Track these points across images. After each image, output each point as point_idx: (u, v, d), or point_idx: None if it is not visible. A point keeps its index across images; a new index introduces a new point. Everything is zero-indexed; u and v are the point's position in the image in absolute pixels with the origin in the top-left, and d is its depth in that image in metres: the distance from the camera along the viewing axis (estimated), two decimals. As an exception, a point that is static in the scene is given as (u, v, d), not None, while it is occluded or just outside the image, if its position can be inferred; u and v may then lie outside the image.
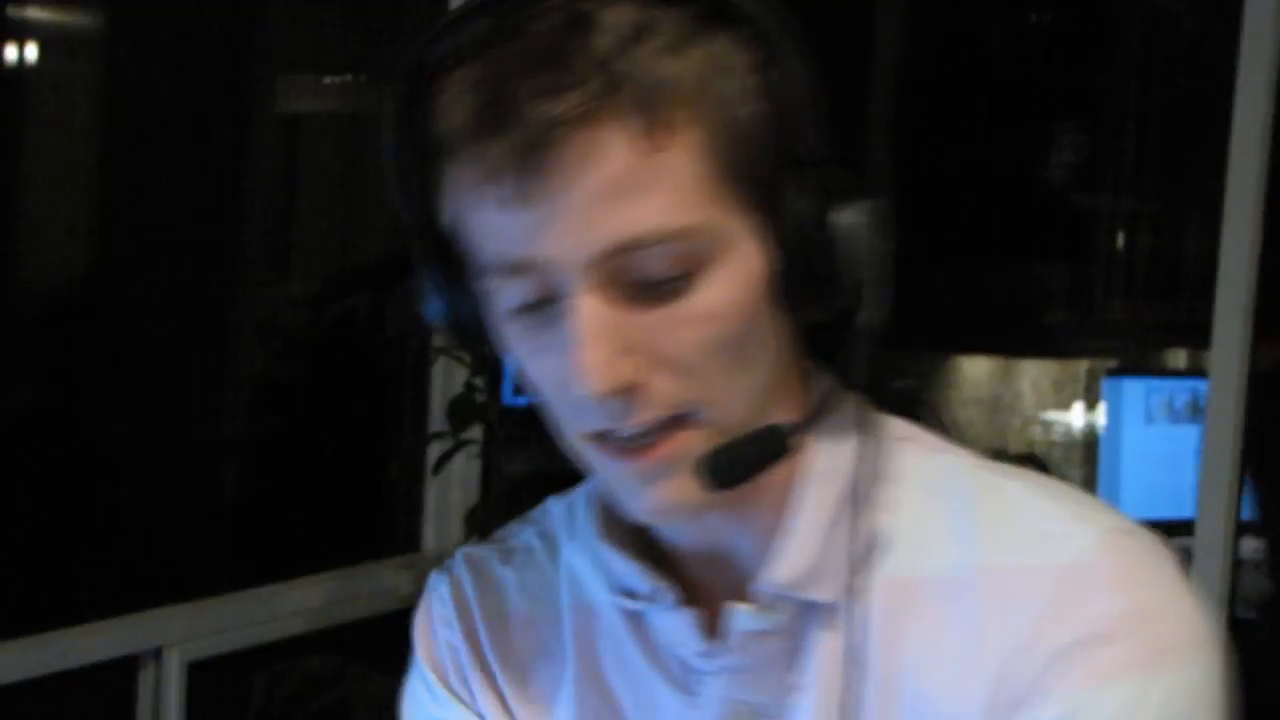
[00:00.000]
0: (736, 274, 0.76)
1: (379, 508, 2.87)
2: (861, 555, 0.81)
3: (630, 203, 0.72)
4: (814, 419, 0.81)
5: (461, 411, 2.48)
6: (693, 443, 0.77)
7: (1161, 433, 3.04)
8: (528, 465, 2.83)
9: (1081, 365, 3.43)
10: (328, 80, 3.10)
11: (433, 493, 2.84)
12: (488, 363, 2.54)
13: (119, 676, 2.39)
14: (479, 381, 2.49)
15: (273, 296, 2.86)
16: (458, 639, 0.94)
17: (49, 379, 2.53)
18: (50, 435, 2.48)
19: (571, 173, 0.72)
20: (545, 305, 0.76)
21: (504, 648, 0.93)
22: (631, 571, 0.86)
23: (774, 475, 0.81)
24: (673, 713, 0.86)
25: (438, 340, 2.56)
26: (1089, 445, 3.36)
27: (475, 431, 2.56)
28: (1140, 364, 3.46)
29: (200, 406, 2.70)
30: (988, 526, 0.81)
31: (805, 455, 0.83)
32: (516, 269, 0.75)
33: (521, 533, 0.97)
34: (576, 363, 0.74)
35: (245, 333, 2.81)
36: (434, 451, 2.61)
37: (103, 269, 2.60)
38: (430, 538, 2.84)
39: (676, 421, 0.77)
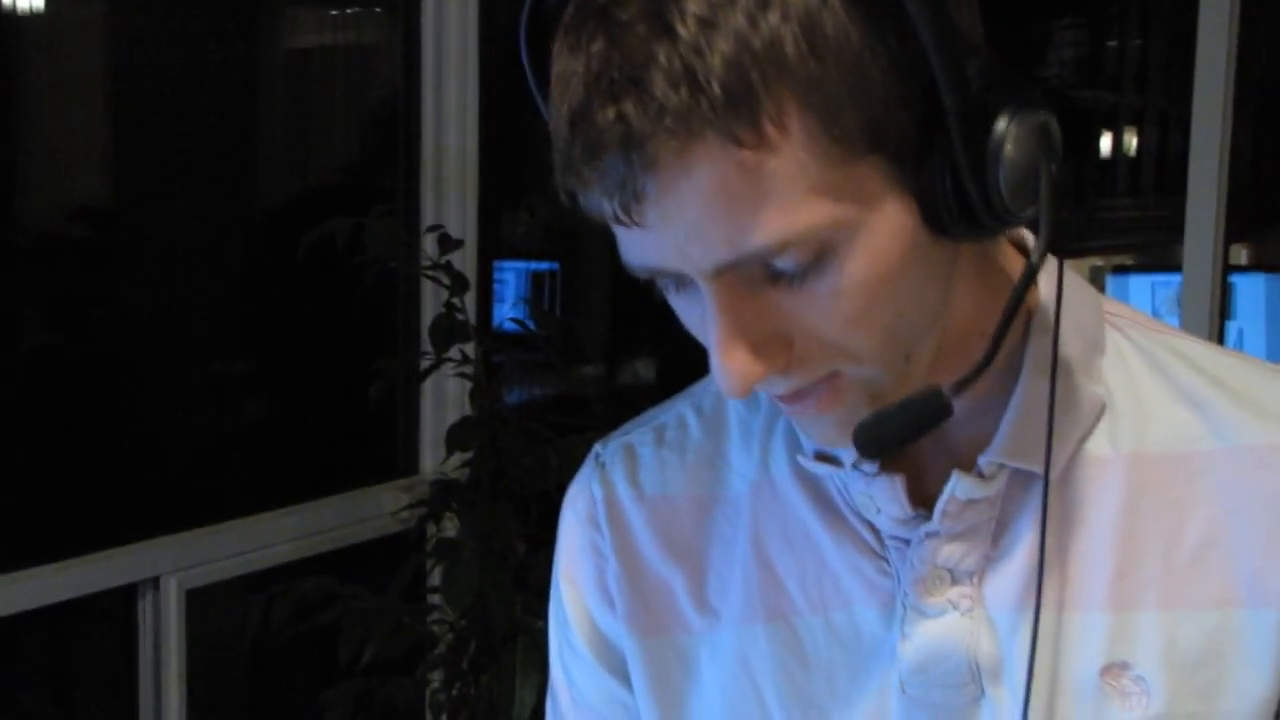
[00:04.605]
0: (877, 240, 0.71)
1: (375, 432, 2.91)
2: (1081, 426, 0.82)
3: (737, 220, 0.68)
4: (985, 363, 0.75)
5: (442, 332, 2.49)
6: (849, 398, 0.76)
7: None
8: (524, 392, 2.86)
9: (1087, 263, 3.39)
10: (334, 13, 3.11)
11: (429, 415, 2.87)
12: (468, 283, 2.56)
13: (119, 605, 2.46)
14: (460, 301, 2.51)
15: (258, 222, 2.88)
16: (606, 545, 0.93)
17: (49, 315, 2.57)
18: (46, 370, 2.53)
19: (668, 199, 0.68)
20: (679, 281, 0.74)
21: (671, 539, 0.92)
22: None
23: (983, 323, 0.80)
24: (853, 579, 0.85)
25: (423, 261, 2.59)
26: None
27: (468, 350, 2.58)
28: (1148, 261, 3.42)
29: (196, 338, 2.74)
30: (1227, 403, 0.81)
31: (1024, 326, 0.82)
32: (639, 268, 0.74)
33: (671, 407, 0.96)
34: (715, 362, 0.73)
35: (247, 265, 2.85)
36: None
37: (112, 206, 2.64)
38: (428, 460, 2.88)
39: (829, 379, 0.75)
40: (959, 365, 0.78)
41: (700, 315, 0.74)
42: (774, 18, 0.67)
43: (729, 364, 0.72)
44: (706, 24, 0.67)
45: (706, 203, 0.68)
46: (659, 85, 0.67)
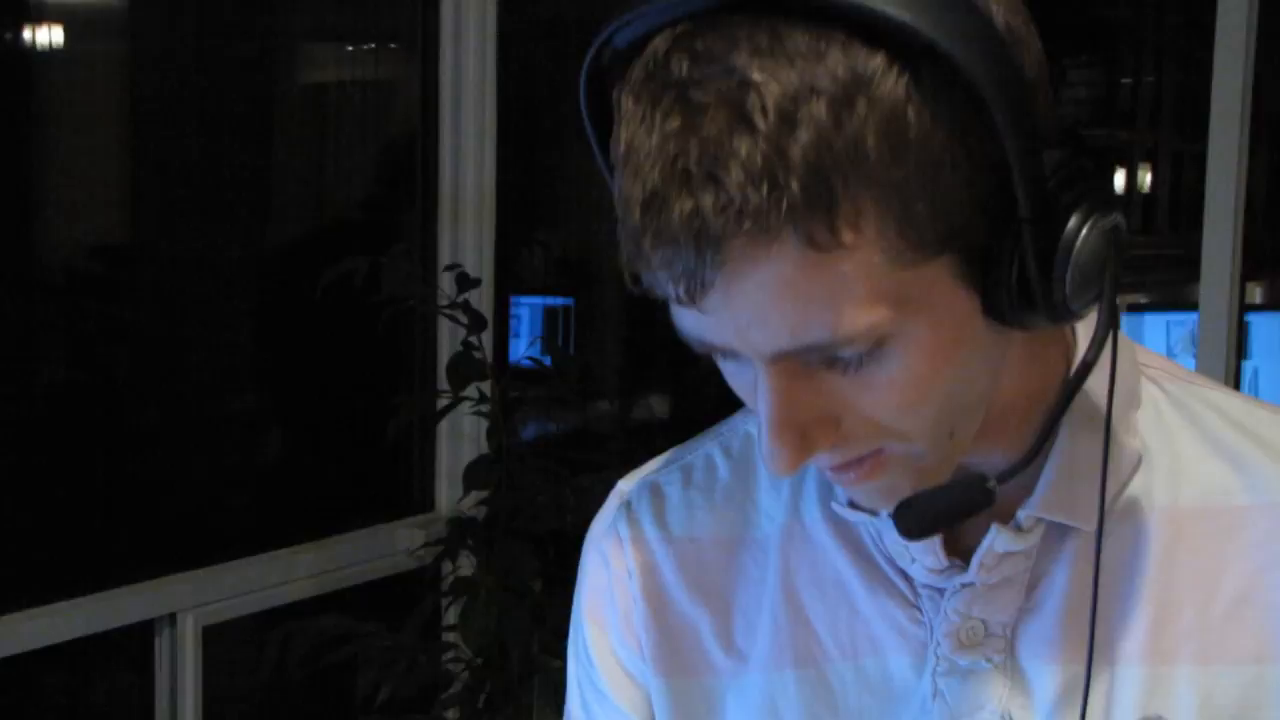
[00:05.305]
0: (938, 333, 0.72)
1: (391, 470, 2.92)
2: (1118, 480, 0.82)
3: (803, 314, 0.69)
4: (1032, 454, 0.77)
5: (460, 370, 2.50)
6: (891, 470, 0.77)
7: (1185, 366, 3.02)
8: (540, 426, 2.86)
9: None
10: (352, 49, 3.13)
11: (445, 453, 2.88)
12: (485, 322, 2.57)
13: (137, 641, 2.46)
14: (477, 340, 2.52)
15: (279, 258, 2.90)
16: (633, 585, 0.93)
17: (68, 351, 2.59)
18: (64, 406, 2.54)
19: (735, 289, 0.68)
20: (733, 354, 0.74)
21: (699, 581, 0.92)
22: None
23: (1028, 399, 0.81)
24: (885, 627, 0.86)
25: (440, 300, 2.60)
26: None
27: (484, 389, 2.59)
28: (1162, 299, 3.42)
29: (215, 375, 2.75)
30: (1261, 457, 0.82)
31: (1061, 378, 0.82)
32: (694, 342, 0.74)
33: (699, 447, 0.96)
34: (765, 443, 0.73)
35: (265, 302, 2.86)
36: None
37: (131, 243, 2.66)
38: (444, 497, 2.88)
39: (874, 454, 0.76)
40: (1001, 434, 0.80)
41: (750, 384, 0.75)
42: (859, 114, 0.66)
43: (780, 447, 0.73)
44: (787, 118, 0.65)
45: (773, 297, 0.68)
46: (737, 181, 0.65)
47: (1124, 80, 3.56)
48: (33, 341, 2.50)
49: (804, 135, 0.65)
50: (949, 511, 0.76)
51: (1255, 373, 2.76)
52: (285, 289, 2.82)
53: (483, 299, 2.76)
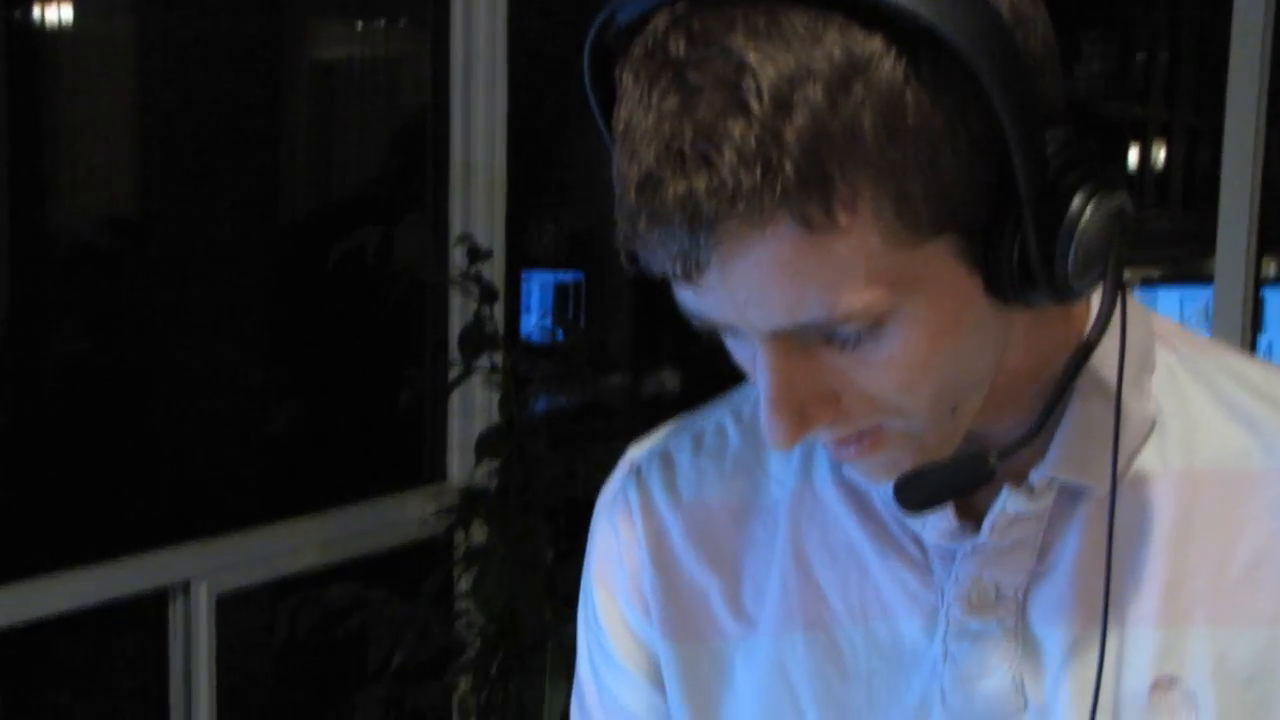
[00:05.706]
0: (937, 312, 0.71)
1: (404, 440, 2.93)
2: (1132, 443, 0.82)
3: (799, 293, 0.69)
4: (1033, 433, 0.76)
5: (472, 340, 2.51)
6: (892, 445, 0.77)
7: (1199, 334, 3.04)
8: (551, 400, 2.88)
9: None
10: (362, 25, 3.13)
11: (457, 424, 2.89)
12: (497, 293, 2.57)
13: (151, 610, 2.47)
14: (489, 311, 2.52)
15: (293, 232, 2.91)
16: (642, 551, 0.93)
17: (82, 324, 2.60)
18: (79, 378, 2.55)
19: (731, 269, 0.68)
20: (735, 330, 0.74)
21: (708, 546, 0.92)
22: None
23: (1037, 369, 0.80)
24: (896, 590, 0.85)
25: (452, 270, 2.60)
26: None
27: (496, 360, 2.59)
28: (1176, 274, 3.41)
29: (229, 346, 2.76)
30: (1277, 421, 0.81)
31: (1074, 343, 0.80)
32: (695, 318, 0.74)
33: (711, 414, 0.96)
34: (764, 418, 0.73)
35: (277, 275, 2.87)
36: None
37: (143, 217, 2.67)
38: (455, 467, 2.89)
39: (873, 429, 0.76)
40: (1010, 404, 0.80)
41: (752, 358, 0.75)
42: (855, 97, 0.66)
43: (778, 422, 0.73)
44: (782, 101, 0.65)
45: (770, 276, 0.68)
46: (730, 164, 0.65)
47: (1139, 54, 3.54)
48: (48, 313, 2.52)
49: (799, 118, 0.65)
50: (949, 486, 0.76)
51: (1270, 346, 2.76)
52: (298, 262, 2.83)
53: (494, 272, 2.77)
